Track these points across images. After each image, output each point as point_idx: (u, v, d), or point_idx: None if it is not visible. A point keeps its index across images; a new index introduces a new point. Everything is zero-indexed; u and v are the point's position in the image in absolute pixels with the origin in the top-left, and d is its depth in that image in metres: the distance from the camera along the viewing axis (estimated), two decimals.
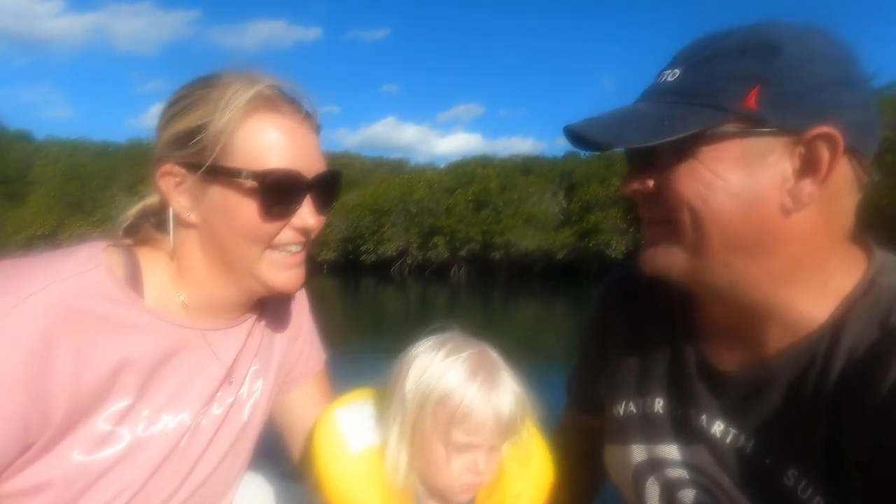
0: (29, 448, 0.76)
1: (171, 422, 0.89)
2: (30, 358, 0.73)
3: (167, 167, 0.88)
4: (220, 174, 0.86)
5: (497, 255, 37.46)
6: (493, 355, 1.08)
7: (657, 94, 0.84)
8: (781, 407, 0.85)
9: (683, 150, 0.79)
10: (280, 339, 1.12)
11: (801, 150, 0.77)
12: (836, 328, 0.81)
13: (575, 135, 0.83)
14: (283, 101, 0.89)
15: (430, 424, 0.99)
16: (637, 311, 1.09)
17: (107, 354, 0.80)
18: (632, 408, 1.06)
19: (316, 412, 1.15)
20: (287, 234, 0.90)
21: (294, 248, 0.91)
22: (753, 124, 0.77)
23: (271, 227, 0.87)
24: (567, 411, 1.36)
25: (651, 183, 0.84)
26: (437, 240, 37.45)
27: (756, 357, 0.89)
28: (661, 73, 0.86)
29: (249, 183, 0.85)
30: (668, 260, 0.85)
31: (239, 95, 0.86)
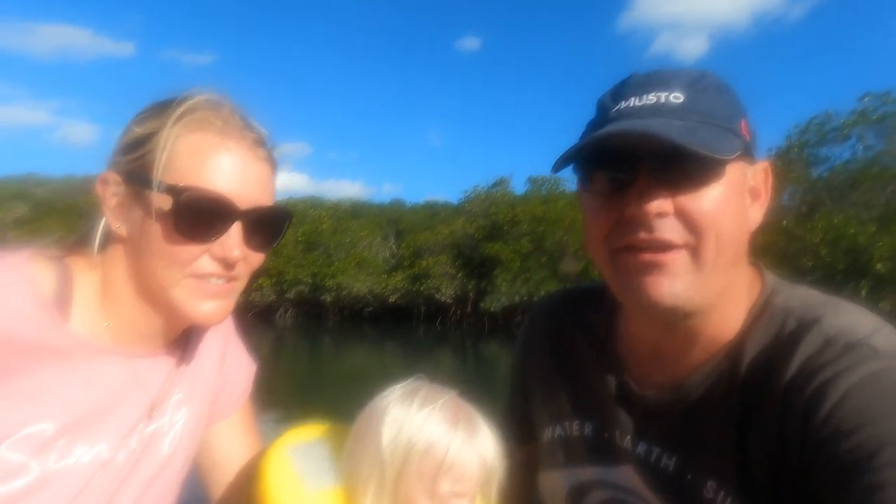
0: None
1: (85, 454, 0.82)
2: None
3: (106, 174, 0.86)
4: (146, 187, 0.82)
5: (328, 297, 37.41)
6: (466, 402, 1.05)
7: (671, 112, 0.81)
8: (697, 423, 0.88)
9: (716, 170, 0.79)
10: (206, 365, 1.03)
11: (751, 178, 0.86)
12: (740, 345, 0.85)
13: (613, 137, 0.79)
14: (235, 126, 0.85)
15: (415, 478, 0.96)
16: (561, 340, 1.11)
17: (22, 379, 0.75)
18: (559, 431, 1.07)
19: (244, 448, 1.11)
20: (207, 263, 0.84)
21: (215, 280, 0.85)
22: (748, 152, 0.84)
23: (187, 250, 0.82)
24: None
25: (673, 203, 0.79)
26: (263, 281, 36.61)
27: (673, 378, 0.91)
28: (641, 96, 0.83)
29: (165, 198, 0.81)
30: (689, 288, 0.80)
31: (189, 112, 0.83)
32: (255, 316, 34.76)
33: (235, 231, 0.83)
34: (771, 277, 0.92)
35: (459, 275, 34.40)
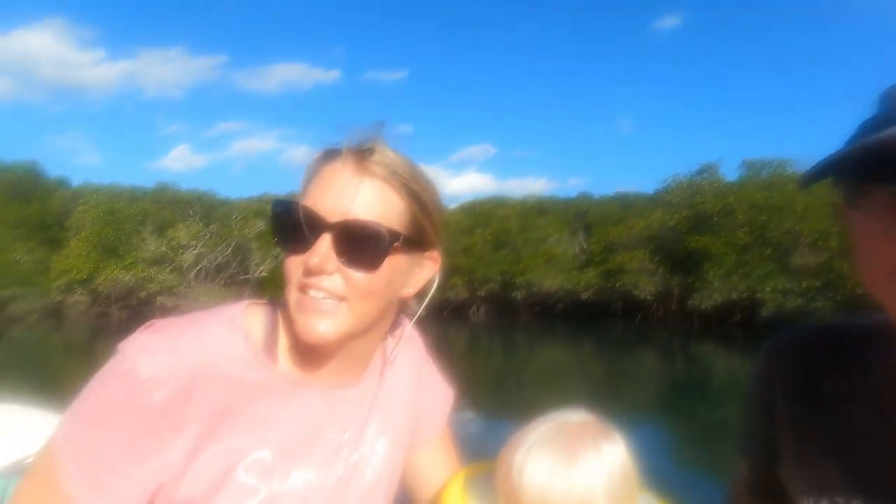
0: (155, 486, 0.81)
1: (298, 479, 0.91)
2: (166, 409, 0.79)
3: None
4: None
5: (518, 295, 37.61)
6: (622, 454, 0.95)
7: None
8: None
9: None
10: (400, 395, 1.08)
11: None
12: None
13: None
14: (346, 149, 0.86)
15: None
16: (819, 389, 0.90)
17: (241, 413, 0.85)
18: None
19: (441, 474, 1.14)
20: (301, 274, 0.85)
21: (314, 293, 0.84)
22: None
23: (290, 262, 0.86)
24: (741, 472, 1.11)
25: None
26: (456, 280, 37.79)
27: None
28: None
29: (272, 215, 0.89)
30: None
31: (324, 149, 0.89)
32: (449, 313, 36.03)
33: (323, 242, 0.83)
34: None
35: (660, 270, 32.39)
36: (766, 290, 27.63)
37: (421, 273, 0.93)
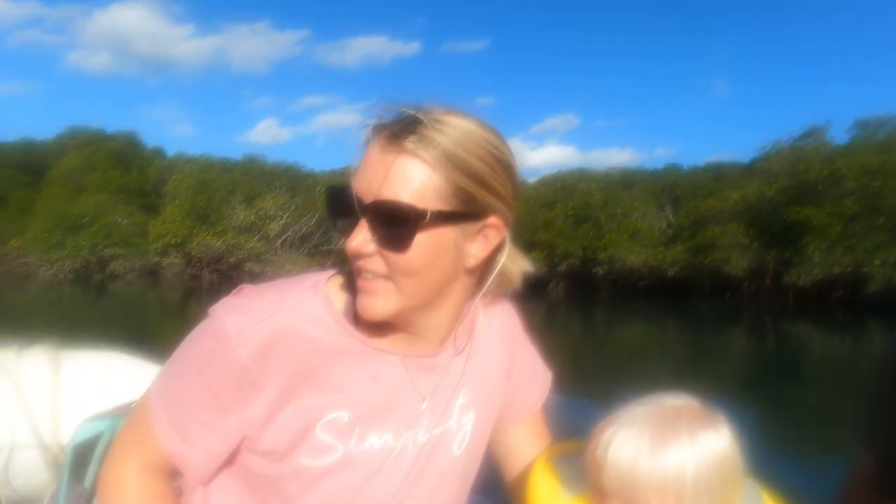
0: (238, 439, 0.89)
1: (376, 441, 0.93)
2: (250, 365, 0.85)
3: None
4: None
5: (599, 270, 36.47)
6: (722, 442, 0.89)
7: None
8: None
9: None
10: (492, 371, 1.07)
11: None
12: None
13: None
14: (377, 126, 0.85)
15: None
16: None
17: (320, 374, 0.89)
18: None
19: (531, 452, 1.12)
20: (348, 256, 0.88)
21: (364, 274, 0.86)
22: None
23: (347, 245, 0.86)
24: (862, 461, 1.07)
25: None
26: (535, 254, 37.11)
27: None
28: None
29: (326, 200, 0.92)
30: None
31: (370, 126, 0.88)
32: (527, 288, 35.40)
33: (361, 225, 0.84)
34: None
35: (755, 244, 30.22)
36: (875, 263, 25.38)
37: (482, 243, 0.89)
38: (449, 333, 0.98)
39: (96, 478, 1.05)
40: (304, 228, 37.20)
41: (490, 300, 1.04)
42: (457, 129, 0.82)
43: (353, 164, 0.87)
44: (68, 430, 1.34)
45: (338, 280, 0.95)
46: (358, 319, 0.91)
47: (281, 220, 36.52)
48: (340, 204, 0.86)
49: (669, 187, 40.62)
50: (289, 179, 41.89)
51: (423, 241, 0.82)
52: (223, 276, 33.60)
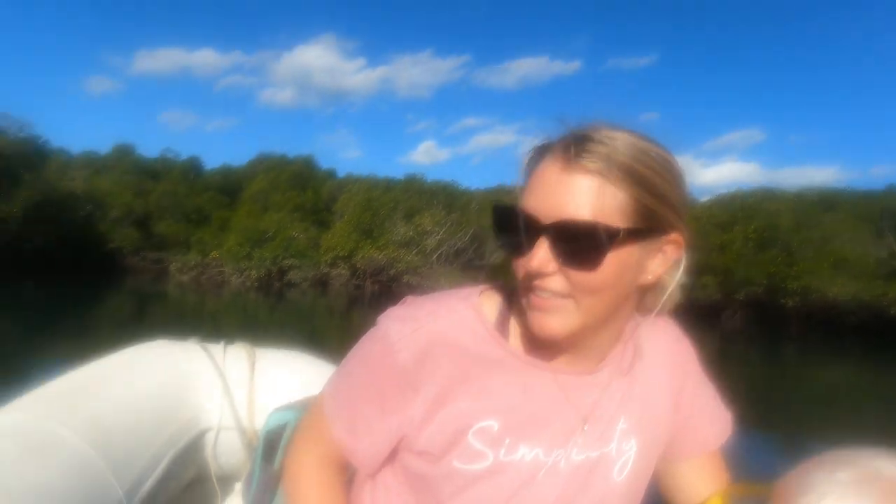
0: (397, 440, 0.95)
1: (527, 453, 0.92)
2: (409, 369, 0.90)
3: None
4: None
5: (789, 302, 32.03)
6: None
7: None
8: None
9: None
10: (657, 399, 1.02)
11: None
12: None
13: None
14: (557, 146, 0.84)
15: None
16: None
17: (472, 381, 0.91)
18: None
19: (703, 490, 1.05)
20: (525, 276, 0.87)
21: (539, 293, 0.86)
22: None
23: (514, 264, 0.88)
24: None
25: None
26: (707, 279, 33.73)
27: None
28: None
29: (493, 219, 0.91)
30: None
31: (538, 145, 0.88)
32: (697, 314, 32.34)
33: (540, 245, 0.84)
34: None
35: None
36: None
37: (661, 258, 0.89)
38: (608, 352, 0.97)
39: (283, 462, 1.16)
40: (458, 243, 38.05)
41: (652, 319, 0.99)
42: (632, 146, 0.82)
43: (519, 182, 0.88)
44: (261, 418, 1.54)
45: (490, 294, 0.98)
46: (505, 331, 0.94)
47: (437, 235, 37.76)
48: (509, 223, 0.86)
49: (892, 212, 34.63)
50: (446, 197, 43.37)
51: (611, 259, 0.81)
52: (383, 286, 35.04)
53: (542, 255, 0.82)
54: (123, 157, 45.91)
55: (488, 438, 0.91)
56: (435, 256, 37.32)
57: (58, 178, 36.87)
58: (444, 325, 0.92)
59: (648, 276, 0.88)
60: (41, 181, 33.88)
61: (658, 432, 1.03)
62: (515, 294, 0.94)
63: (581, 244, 0.81)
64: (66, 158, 43.25)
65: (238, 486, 1.99)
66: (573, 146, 0.81)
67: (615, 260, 0.82)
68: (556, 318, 0.86)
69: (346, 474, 1.05)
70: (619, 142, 0.81)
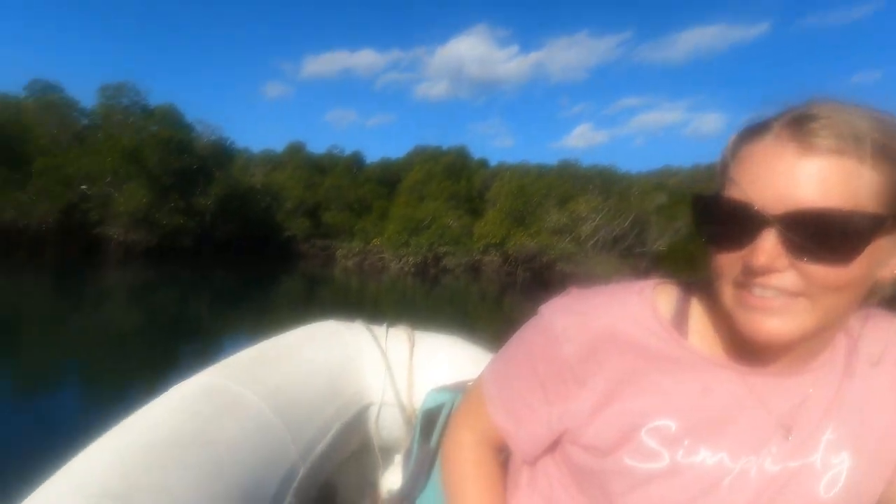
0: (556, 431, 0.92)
1: (709, 457, 0.86)
2: (574, 362, 0.88)
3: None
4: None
5: None
6: None
7: None
8: None
9: None
10: (877, 408, 0.90)
11: None
12: None
13: None
14: (780, 124, 0.74)
15: None
16: None
17: (645, 378, 0.86)
18: None
19: None
20: (741, 272, 0.77)
21: (759, 291, 0.76)
22: None
23: (721, 258, 0.79)
24: None
25: None
26: None
27: None
28: None
29: (694, 209, 0.82)
30: None
31: (747, 124, 0.79)
32: None
33: (767, 238, 0.75)
34: None
35: None
36: None
37: None
38: (817, 353, 0.87)
39: (440, 440, 1.22)
40: (617, 230, 36.54)
41: (864, 314, 0.89)
42: (875, 119, 0.71)
43: (722, 167, 0.79)
44: (419, 397, 1.71)
45: (665, 288, 0.91)
46: (683, 328, 0.88)
47: (593, 221, 36.66)
48: (715, 214, 0.77)
49: None
50: (602, 182, 42.11)
51: (867, 252, 0.72)
52: (535, 274, 34.97)
53: (770, 248, 0.73)
54: (295, 154, 50.72)
55: (665, 438, 0.86)
56: (590, 243, 36.21)
57: (241, 174, 42.07)
58: (613, 318, 0.88)
59: (888, 270, 0.78)
60: (229, 178, 38.66)
61: (879, 448, 0.90)
62: (694, 288, 0.90)
63: (831, 236, 0.71)
64: (248, 157, 48.97)
65: (398, 459, 2.11)
66: (804, 124, 0.72)
67: (868, 252, 0.73)
68: (781, 320, 0.77)
69: (502, 456, 1.04)
70: (858, 116, 0.71)
